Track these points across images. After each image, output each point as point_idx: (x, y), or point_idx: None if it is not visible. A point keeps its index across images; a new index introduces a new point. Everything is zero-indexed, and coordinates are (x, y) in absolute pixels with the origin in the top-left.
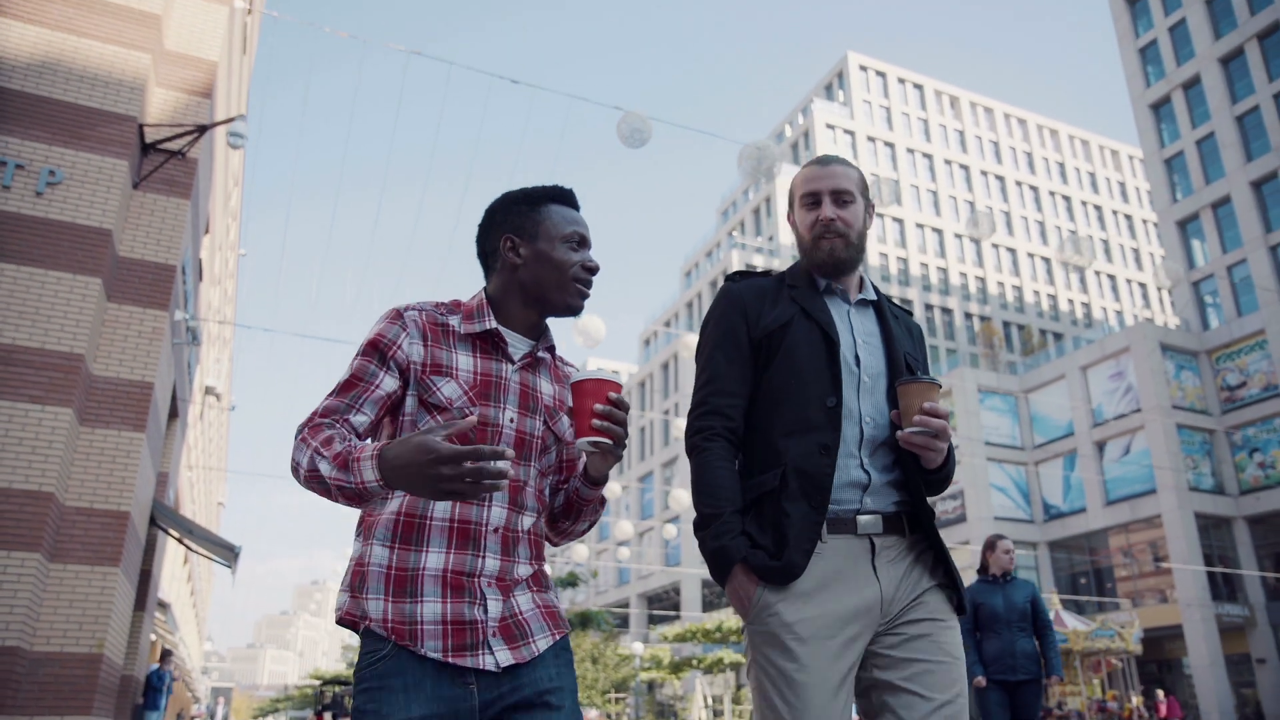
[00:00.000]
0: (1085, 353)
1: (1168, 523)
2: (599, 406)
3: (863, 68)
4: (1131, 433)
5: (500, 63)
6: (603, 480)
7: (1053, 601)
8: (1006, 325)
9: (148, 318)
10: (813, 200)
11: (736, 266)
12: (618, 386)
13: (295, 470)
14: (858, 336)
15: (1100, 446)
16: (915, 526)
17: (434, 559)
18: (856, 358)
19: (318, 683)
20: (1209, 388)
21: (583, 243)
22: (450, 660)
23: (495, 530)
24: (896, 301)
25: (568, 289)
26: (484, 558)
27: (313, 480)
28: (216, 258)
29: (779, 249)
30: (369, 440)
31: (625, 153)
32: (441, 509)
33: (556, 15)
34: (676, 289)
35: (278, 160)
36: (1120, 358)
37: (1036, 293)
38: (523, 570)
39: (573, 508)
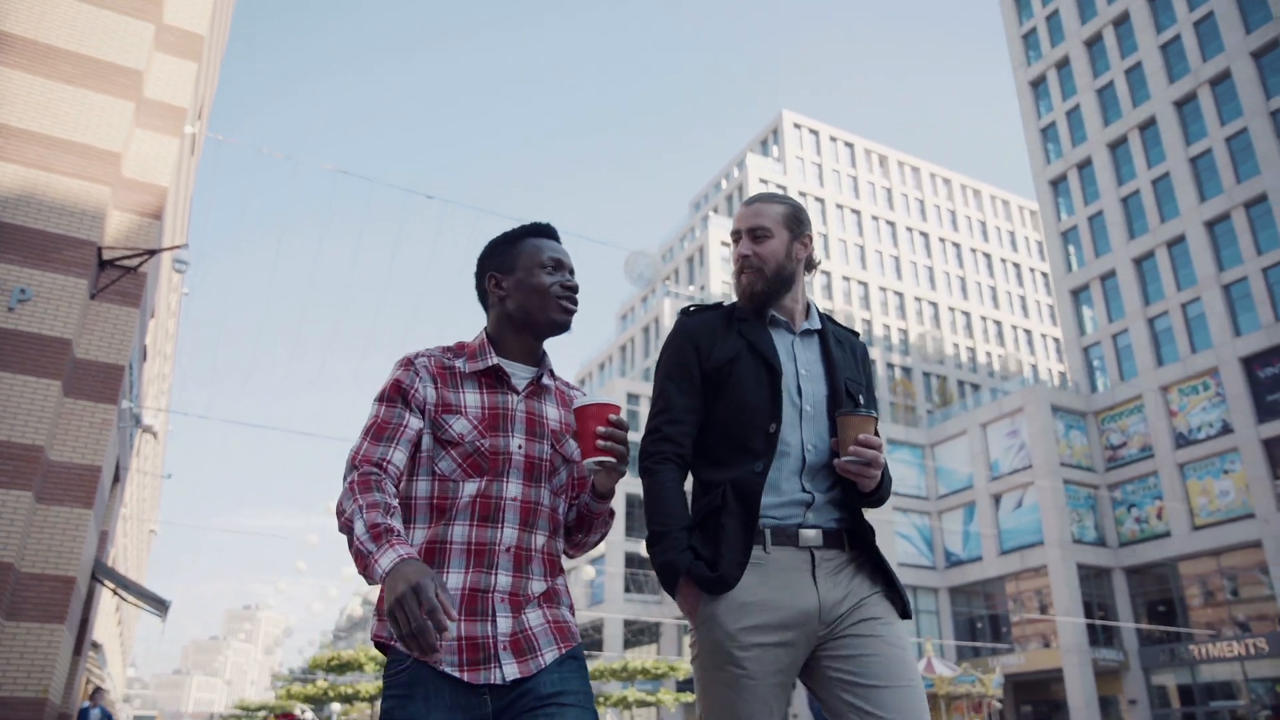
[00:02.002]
0: (985, 410)
1: (1052, 572)
2: (601, 429)
3: (796, 125)
4: (1024, 487)
5: (442, 141)
6: (609, 494)
7: (926, 649)
8: (926, 376)
9: (99, 410)
10: (736, 237)
11: (667, 315)
12: (618, 409)
13: (339, 513)
14: (800, 367)
15: (997, 499)
16: (855, 542)
17: (453, 580)
18: (799, 388)
19: (241, 713)
20: (1095, 447)
21: (559, 266)
22: (464, 676)
23: (508, 549)
24: (842, 324)
25: (550, 307)
26: (497, 574)
27: (346, 530)
28: (159, 335)
29: (709, 298)
30: (398, 523)
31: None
32: (460, 534)
33: (502, 60)
34: (612, 332)
35: (218, 259)
36: (1015, 416)
37: (956, 345)
38: (536, 587)
39: (584, 521)
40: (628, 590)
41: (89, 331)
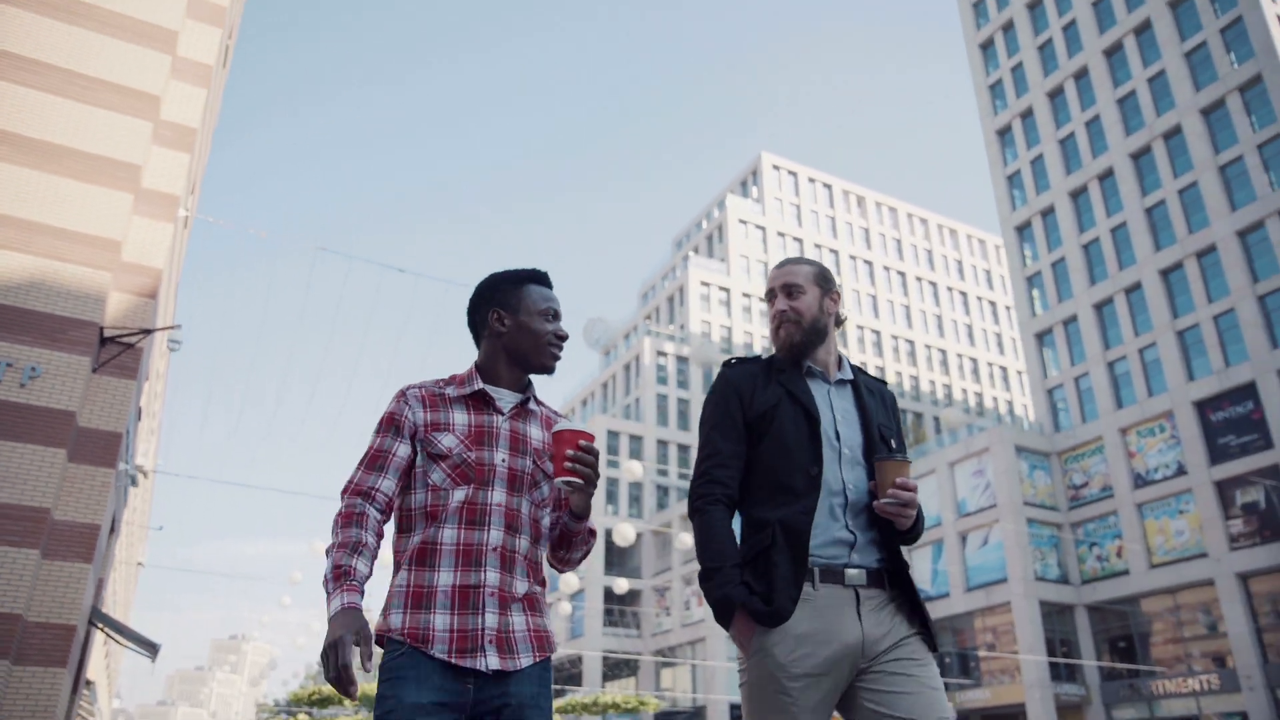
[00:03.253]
0: (952, 450)
1: (1015, 609)
2: (570, 451)
3: (775, 167)
4: (989, 525)
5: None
6: (584, 514)
7: None
8: (903, 413)
9: (99, 474)
10: (770, 295)
11: (648, 352)
12: (589, 436)
13: (331, 535)
14: (837, 414)
15: (964, 537)
16: (895, 581)
17: (445, 577)
18: (837, 433)
19: None
20: (1058, 486)
21: (555, 316)
22: (454, 661)
23: (494, 549)
24: (871, 374)
25: (543, 353)
26: (485, 571)
27: (325, 555)
28: (150, 396)
29: (689, 337)
30: (361, 561)
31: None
32: (450, 536)
33: (486, 111)
34: (595, 368)
35: (207, 325)
36: (982, 456)
37: (932, 382)
38: (520, 587)
39: (566, 538)
40: (606, 624)
41: (90, 402)
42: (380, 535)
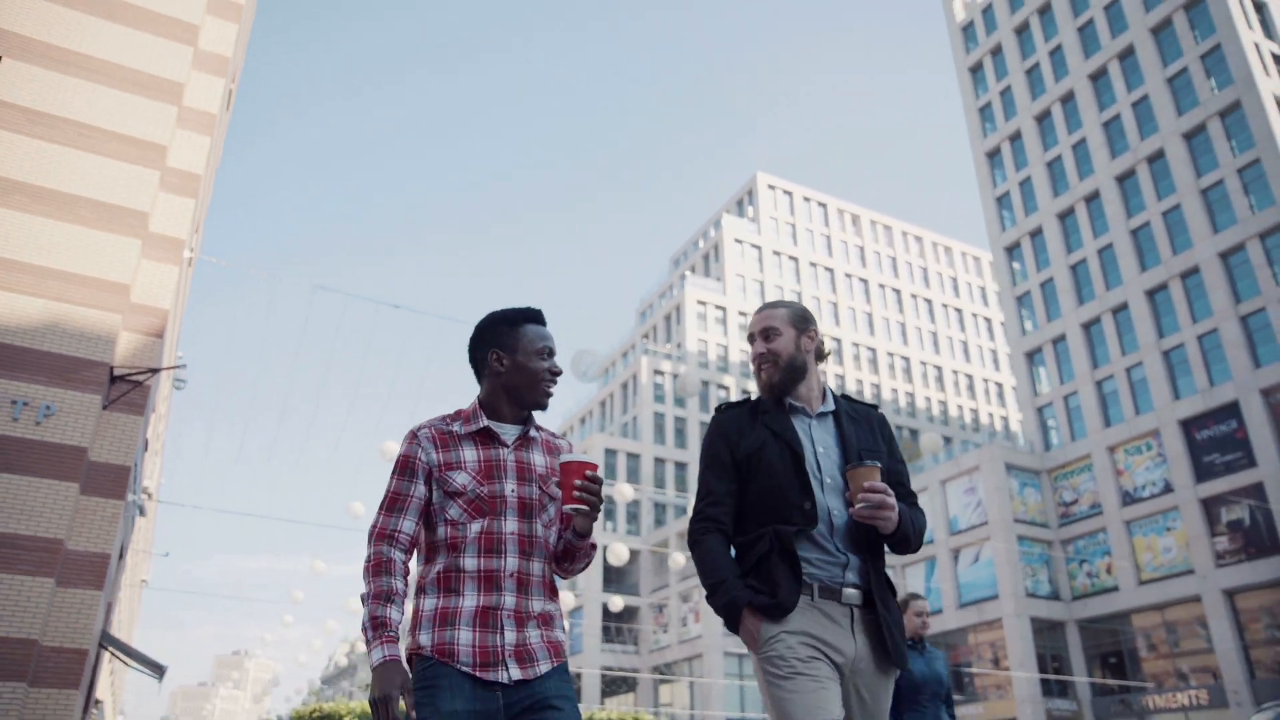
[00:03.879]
0: (944, 468)
1: (1006, 625)
2: (578, 482)
3: (771, 186)
4: (981, 543)
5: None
6: (587, 533)
7: None
8: (899, 429)
9: (109, 505)
10: (751, 339)
11: (645, 372)
12: (594, 466)
13: (363, 582)
14: (818, 446)
15: (955, 554)
16: (881, 606)
17: (468, 600)
18: (818, 464)
19: None
20: (1049, 503)
21: (549, 354)
22: (478, 674)
23: (511, 575)
24: (858, 399)
25: (537, 390)
26: (504, 594)
27: (362, 603)
28: (156, 427)
29: (686, 355)
30: (394, 611)
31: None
32: (471, 564)
33: (486, 136)
34: (593, 386)
35: (208, 353)
36: (973, 474)
37: (928, 399)
38: (535, 606)
39: (569, 553)
40: (604, 641)
41: (101, 437)
42: (407, 575)
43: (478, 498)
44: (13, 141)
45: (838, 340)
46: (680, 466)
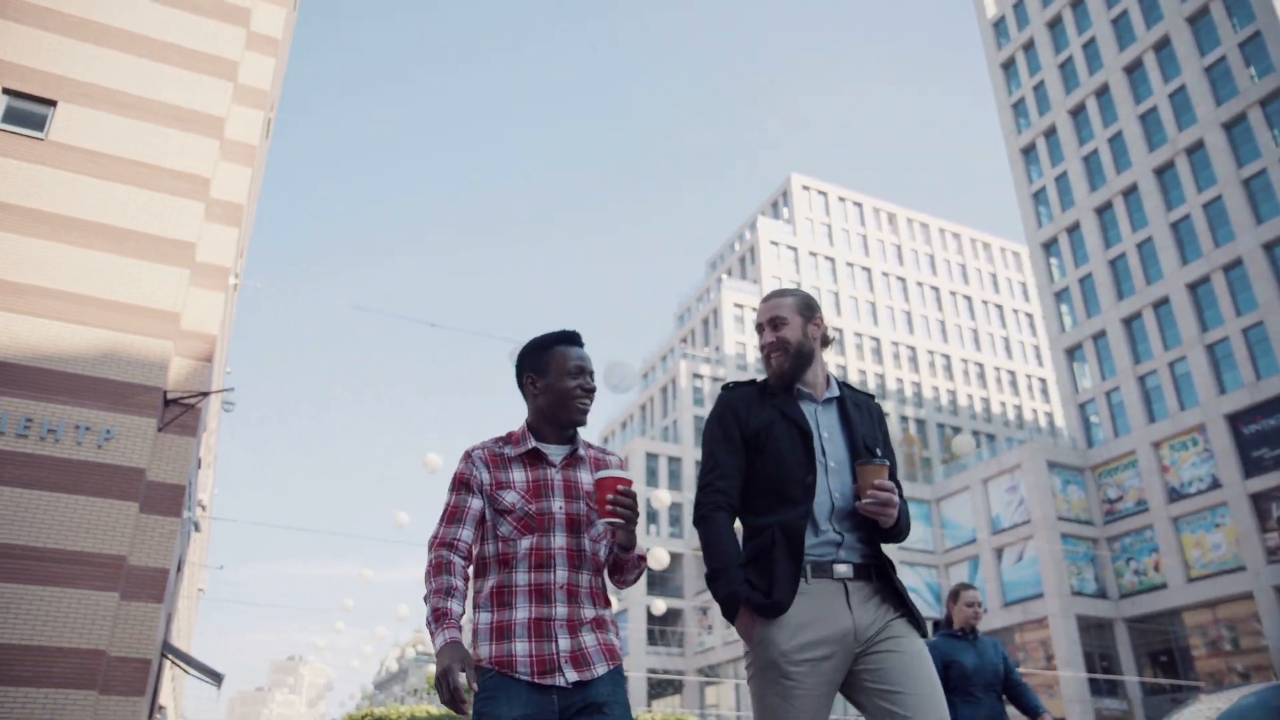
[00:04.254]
0: (985, 467)
1: (1052, 624)
2: (610, 495)
3: (805, 187)
4: (1024, 541)
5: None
6: (630, 545)
7: None
8: (941, 428)
9: (167, 523)
10: (759, 328)
11: (684, 376)
12: (628, 481)
13: (424, 584)
14: (823, 431)
15: (999, 552)
16: (879, 575)
17: (521, 613)
18: (823, 448)
19: None
20: (1093, 500)
21: (581, 371)
22: (536, 681)
23: (561, 587)
24: (858, 388)
25: (570, 408)
26: (555, 606)
27: (425, 601)
28: (208, 444)
29: (724, 359)
30: (455, 604)
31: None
32: (522, 579)
33: (522, 137)
34: (633, 391)
35: (254, 374)
36: (1014, 473)
37: (970, 396)
38: (587, 613)
39: (619, 565)
40: (650, 644)
41: (157, 459)
42: (466, 578)
43: (526, 515)
44: (70, 180)
45: (876, 339)
46: None
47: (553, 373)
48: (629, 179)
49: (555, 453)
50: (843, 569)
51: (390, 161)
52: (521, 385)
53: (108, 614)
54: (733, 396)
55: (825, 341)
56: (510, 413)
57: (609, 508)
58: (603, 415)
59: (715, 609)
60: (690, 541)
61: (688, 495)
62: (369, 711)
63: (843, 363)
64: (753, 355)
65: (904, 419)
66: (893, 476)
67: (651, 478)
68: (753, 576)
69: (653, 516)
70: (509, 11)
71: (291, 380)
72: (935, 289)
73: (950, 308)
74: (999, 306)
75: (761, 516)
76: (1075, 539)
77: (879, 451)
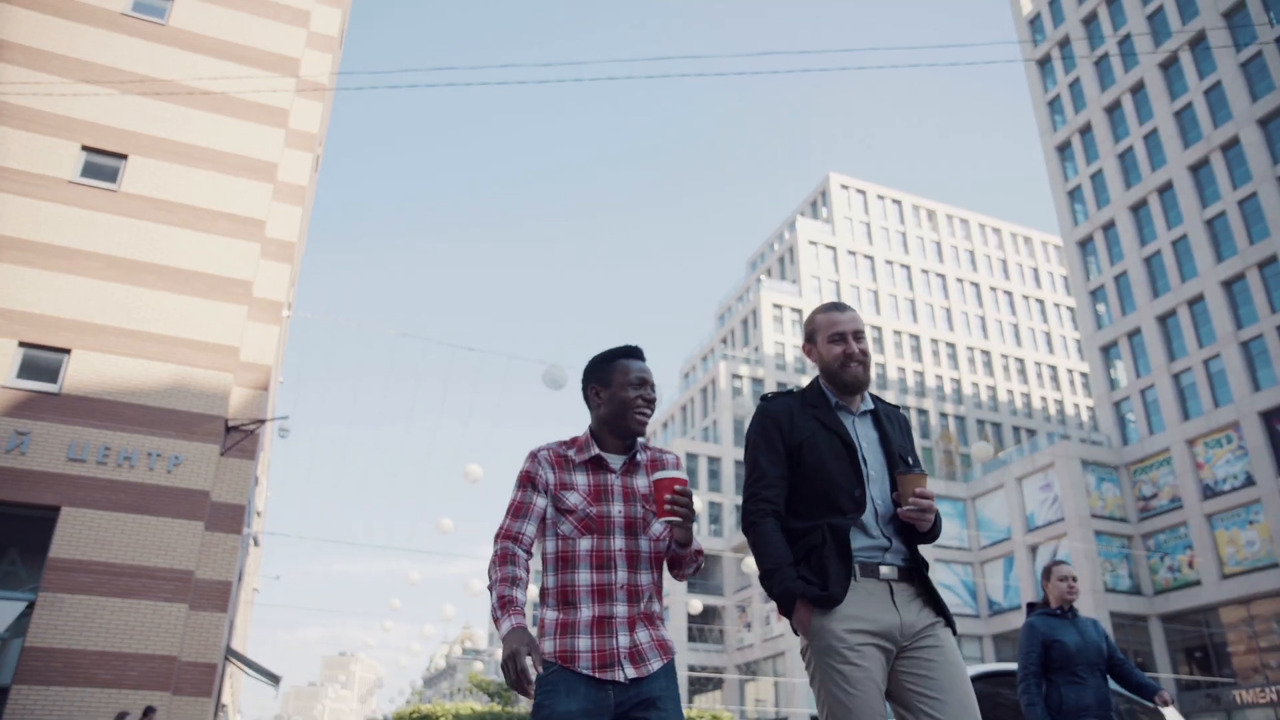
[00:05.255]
0: (1019, 465)
1: None
2: (669, 496)
3: (844, 186)
4: (1058, 538)
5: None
6: (688, 542)
7: None
8: (980, 424)
9: (229, 539)
10: (839, 338)
11: (723, 377)
12: (684, 481)
13: (489, 575)
14: (862, 442)
15: (1033, 549)
16: (920, 578)
17: (584, 611)
18: (864, 458)
19: None
20: (1128, 498)
21: (642, 383)
22: (596, 675)
23: (622, 586)
24: (885, 399)
25: (630, 418)
26: (615, 604)
27: (489, 592)
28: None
29: (763, 359)
30: (519, 592)
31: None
32: (584, 579)
33: (552, 133)
34: (676, 390)
35: (305, 397)
36: (1048, 471)
37: (1010, 391)
38: (643, 610)
39: (676, 560)
40: (690, 640)
41: (220, 481)
42: (528, 569)
43: (587, 516)
44: (140, 227)
45: (915, 337)
46: None
47: (615, 384)
48: (670, 178)
49: (615, 460)
50: (888, 570)
51: (429, 173)
52: (586, 396)
53: (178, 623)
54: (773, 407)
55: None
56: (543, 429)
57: (667, 507)
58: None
59: (753, 607)
60: (729, 540)
61: (726, 495)
62: (416, 709)
63: (882, 360)
64: (791, 355)
65: (944, 416)
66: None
67: (692, 478)
68: (806, 573)
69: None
70: (531, 14)
71: (339, 401)
72: (975, 285)
73: (990, 303)
74: (1040, 301)
75: (808, 520)
76: (1109, 536)
77: (911, 461)
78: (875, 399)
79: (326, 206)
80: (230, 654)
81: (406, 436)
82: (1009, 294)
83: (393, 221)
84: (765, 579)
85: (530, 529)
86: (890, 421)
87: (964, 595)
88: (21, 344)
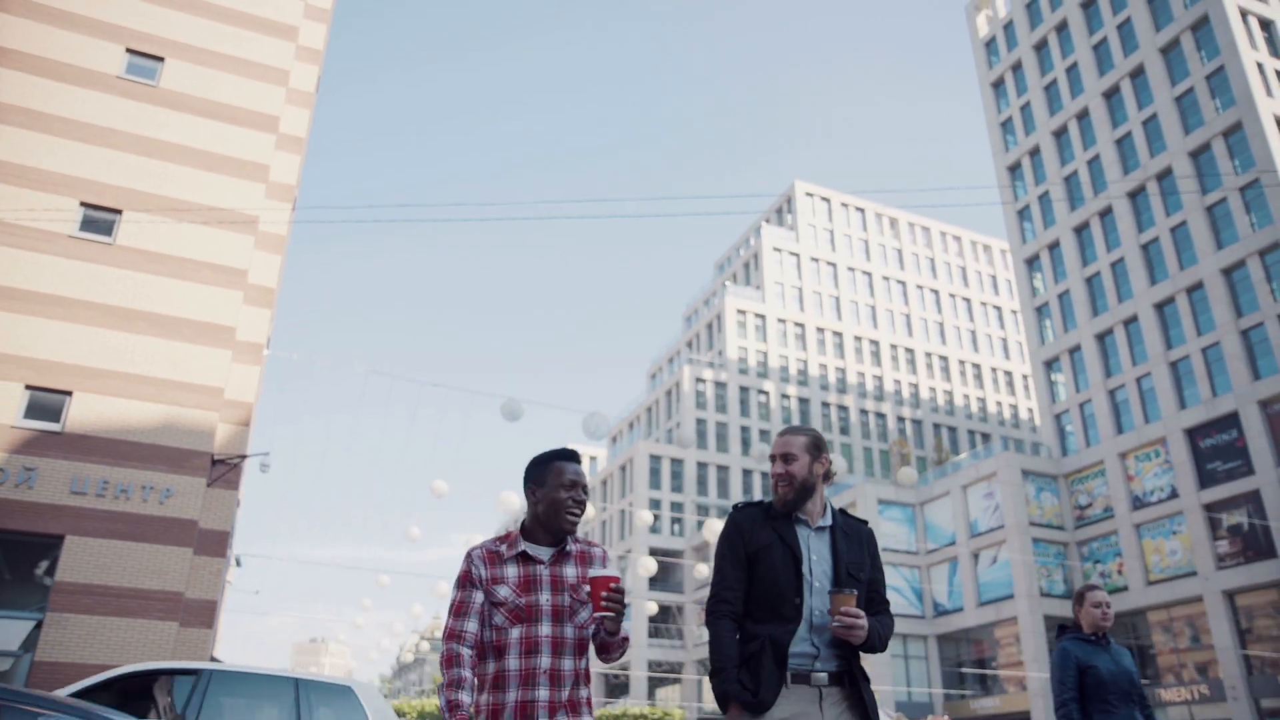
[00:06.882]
0: (965, 474)
1: (1020, 622)
2: (604, 594)
3: (809, 194)
4: (999, 545)
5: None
6: (616, 632)
7: None
8: (937, 428)
9: (215, 562)
10: (771, 460)
11: (688, 380)
12: (618, 579)
13: (440, 672)
14: (813, 554)
15: (976, 555)
16: (852, 683)
17: (511, 695)
18: (810, 570)
19: None
20: (1065, 506)
21: (574, 485)
22: None
23: (545, 671)
24: (852, 514)
25: (561, 517)
26: (539, 689)
27: (438, 692)
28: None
29: (727, 363)
30: (465, 694)
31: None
32: (514, 665)
33: (525, 145)
34: (641, 393)
35: (282, 429)
36: (991, 480)
37: (966, 396)
38: (565, 695)
39: (605, 647)
40: (651, 637)
41: (206, 510)
42: (474, 666)
43: (517, 607)
44: (133, 278)
45: (875, 342)
46: (722, 470)
47: (550, 484)
48: (641, 175)
49: (543, 553)
50: (819, 677)
51: (405, 186)
52: (525, 492)
53: (169, 639)
54: (740, 517)
55: (828, 477)
56: (492, 462)
57: (603, 604)
58: (613, 416)
59: None
60: (690, 540)
61: (689, 496)
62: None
63: (842, 365)
64: (754, 360)
65: (901, 420)
66: (877, 591)
67: (655, 479)
68: (744, 678)
69: (656, 517)
70: (485, 13)
71: (316, 434)
72: (935, 292)
73: (950, 310)
74: (998, 308)
75: (757, 625)
76: (1046, 543)
77: (861, 576)
78: (839, 514)
79: (299, 246)
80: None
81: (378, 458)
82: (967, 300)
83: (365, 243)
84: (712, 676)
85: (472, 625)
86: (847, 538)
87: (910, 597)
88: (28, 387)
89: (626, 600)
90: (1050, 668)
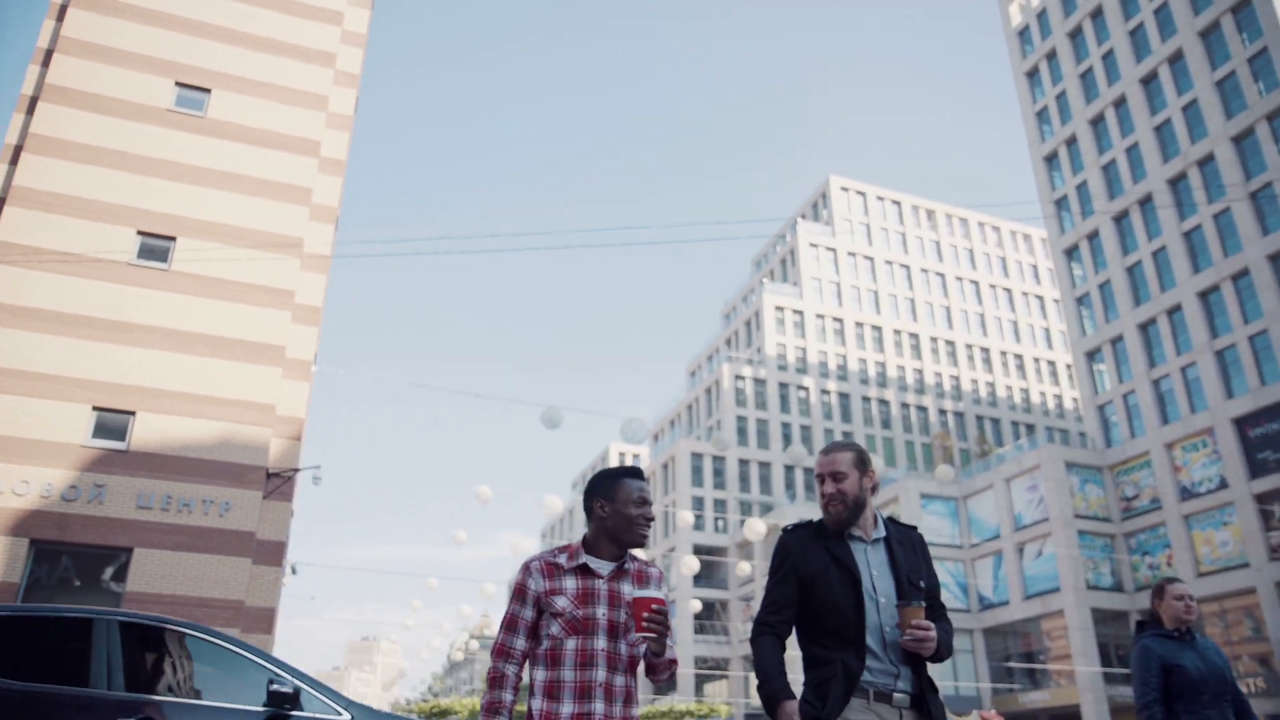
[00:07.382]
0: (1008, 466)
1: (1068, 616)
2: (645, 615)
3: (844, 189)
4: (1043, 537)
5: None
6: (661, 653)
7: None
8: (980, 420)
9: (272, 572)
10: (819, 480)
11: (727, 378)
12: (661, 601)
13: (486, 688)
14: (873, 569)
15: (1020, 548)
16: (925, 708)
17: (566, 708)
18: (874, 586)
19: None
20: (1111, 498)
21: (644, 502)
22: None
23: (600, 684)
24: (901, 521)
25: (633, 533)
26: (594, 703)
27: (481, 712)
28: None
29: (766, 360)
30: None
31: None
32: (569, 676)
33: (550, 150)
34: (681, 391)
35: (333, 440)
36: (1034, 473)
37: (1009, 387)
38: (617, 711)
39: (651, 668)
40: (697, 633)
41: (263, 522)
42: (517, 686)
43: (574, 619)
44: (189, 302)
45: (915, 335)
46: (764, 466)
47: (620, 500)
48: (679, 173)
49: (603, 567)
50: (901, 698)
51: (447, 205)
52: (589, 507)
53: None
54: (791, 539)
55: (874, 489)
56: (533, 466)
57: (645, 625)
58: (653, 416)
59: (757, 599)
60: (732, 537)
61: (731, 493)
62: (435, 704)
63: (882, 359)
64: (793, 356)
65: (943, 413)
66: (935, 598)
67: (696, 476)
68: (811, 697)
69: (699, 515)
70: (517, 12)
71: (364, 443)
72: (975, 283)
73: (990, 301)
74: (1039, 298)
75: (827, 650)
76: (1092, 535)
77: (921, 584)
78: (889, 524)
79: (345, 263)
80: None
81: (424, 465)
82: (1008, 291)
83: (408, 263)
84: (760, 685)
85: (521, 642)
86: (902, 546)
87: (956, 591)
88: (95, 408)
89: (670, 613)
90: (1131, 667)
